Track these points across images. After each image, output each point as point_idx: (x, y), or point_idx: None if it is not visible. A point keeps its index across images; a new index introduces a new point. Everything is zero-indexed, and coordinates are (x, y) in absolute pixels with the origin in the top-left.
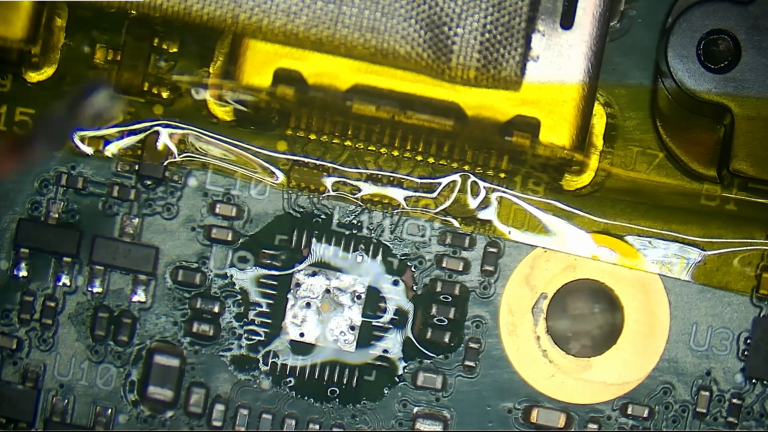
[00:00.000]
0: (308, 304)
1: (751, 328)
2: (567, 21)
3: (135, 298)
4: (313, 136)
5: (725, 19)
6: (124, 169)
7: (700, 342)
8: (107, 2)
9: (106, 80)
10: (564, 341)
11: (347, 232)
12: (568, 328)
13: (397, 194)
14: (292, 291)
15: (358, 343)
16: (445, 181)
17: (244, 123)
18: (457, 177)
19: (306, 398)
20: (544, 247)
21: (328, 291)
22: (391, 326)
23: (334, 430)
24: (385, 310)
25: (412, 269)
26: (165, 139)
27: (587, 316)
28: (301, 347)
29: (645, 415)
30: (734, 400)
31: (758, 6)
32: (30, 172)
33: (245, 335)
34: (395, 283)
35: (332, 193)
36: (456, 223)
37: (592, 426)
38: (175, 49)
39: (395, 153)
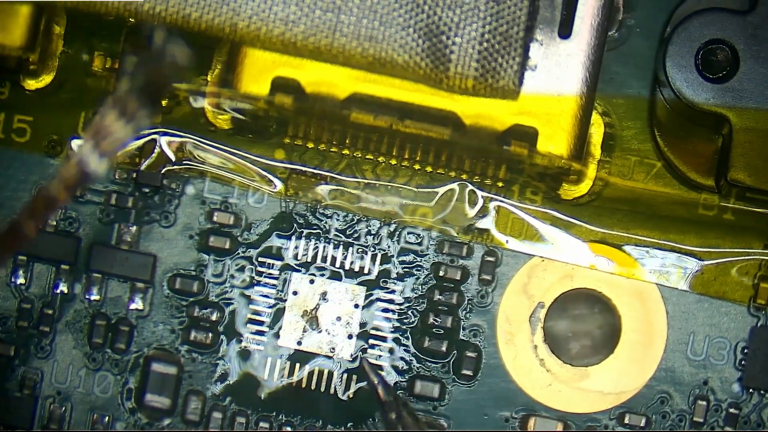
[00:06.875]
0: (306, 312)
1: (748, 337)
2: (565, 30)
3: (132, 306)
4: (311, 145)
5: (724, 29)
6: (121, 177)
7: (697, 351)
8: (106, 10)
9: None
10: (562, 349)
11: (345, 241)
12: (566, 331)
13: (395, 203)
14: (289, 299)
15: (355, 352)
16: (442, 190)
17: (242, 131)
18: (454, 186)
19: (304, 407)
20: (541, 257)
21: (325, 299)
22: (388, 335)
23: None
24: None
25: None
26: (163, 147)
27: (586, 323)
28: (298, 356)
29: (642, 425)
30: (731, 410)
31: (757, 16)
32: (28, 180)
33: (243, 343)
34: (391, 292)
35: (330, 202)
36: (454, 232)
37: None
38: None
39: (393, 162)
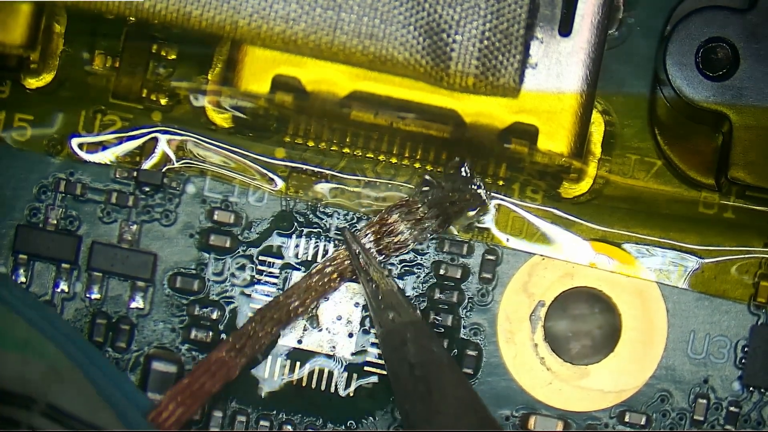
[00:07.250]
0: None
1: (748, 336)
2: (565, 28)
3: (133, 305)
4: (311, 143)
5: (724, 27)
6: (122, 176)
7: (697, 350)
8: (106, 9)
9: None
10: (563, 347)
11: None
12: (567, 329)
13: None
14: None
15: (355, 350)
16: None
17: (243, 130)
18: None
19: (304, 405)
20: (542, 255)
21: (326, 298)
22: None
23: None
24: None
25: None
26: (163, 145)
27: (586, 323)
28: (299, 354)
29: (642, 423)
30: (732, 408)
31: (756, 14)
32: (28, 179)
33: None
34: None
35: (330, 200)
36: (454, 231)
37: None
38: (173, 56)
39: (393, 160)
